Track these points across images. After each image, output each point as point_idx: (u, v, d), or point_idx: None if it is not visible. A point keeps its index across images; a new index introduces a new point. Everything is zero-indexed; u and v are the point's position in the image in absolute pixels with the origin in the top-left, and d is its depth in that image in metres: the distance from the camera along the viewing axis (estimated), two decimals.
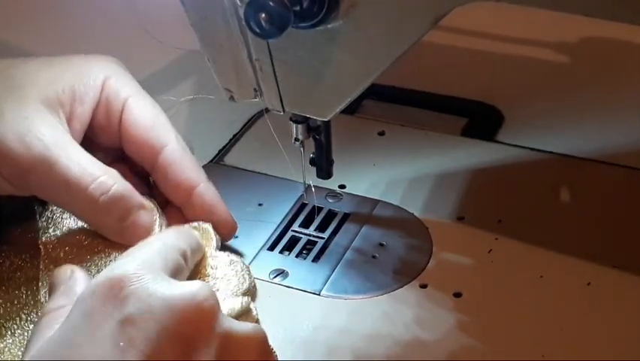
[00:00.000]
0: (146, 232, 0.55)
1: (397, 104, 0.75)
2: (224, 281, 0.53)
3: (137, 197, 0.55)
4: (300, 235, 0.61)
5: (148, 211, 0.55)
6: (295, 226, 0.62)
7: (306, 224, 0.62)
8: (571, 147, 0.67)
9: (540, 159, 0.66)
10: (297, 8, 0.44)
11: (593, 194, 0.62)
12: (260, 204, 0.64)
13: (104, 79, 0.56)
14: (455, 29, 0.82)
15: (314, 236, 0.61)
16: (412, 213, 0.61)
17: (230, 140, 0.71)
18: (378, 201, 0.63)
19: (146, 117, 0.57)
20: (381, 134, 0.70)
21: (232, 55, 0.51)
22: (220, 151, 0.70)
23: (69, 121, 0.55)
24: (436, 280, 0.56)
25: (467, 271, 0.57)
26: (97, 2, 0.90)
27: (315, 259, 0.59)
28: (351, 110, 0.74)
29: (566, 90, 0.75)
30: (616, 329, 0.52)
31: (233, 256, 0.55)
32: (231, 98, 0.54)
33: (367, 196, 0.63)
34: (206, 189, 0.57)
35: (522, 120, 0.72)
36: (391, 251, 0.59)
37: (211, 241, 0.55)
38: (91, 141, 0.57)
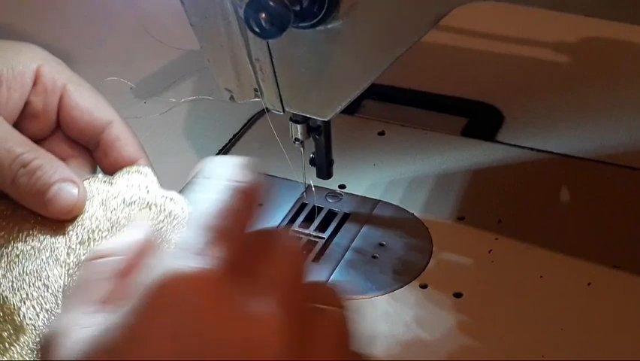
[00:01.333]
0: (69, 205, 0.52)
1: (397, 104, 0.75)
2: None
3: (61, 171, 0.53)
4: (300, 235, 0.61)
5: (75, 184, 0.54)
6: (295, 226, 0.62)
7: (306, 224, 0.62)
8: (571, 147, 0.67)
9: (540, 159, 0.66)
10: (297, 8, 0.44)
11: (593, 194, 0.62)
12: (260, 204, 0.64)
13: (36, 67, 0.54)
14: (455, 29, 0.82)
15: (314, 236, 0.61)
16: (412, 213, 0.61)
17: (230, 140, 0.71)
18: (378, 201, 0.63)
19: (88, 100, 0.55)
20: (381, 134, 0.70)
21: (232, 55, 0.51)
22: (220, 151, 0.70)
23: None
24: (436, 280, 0.56)
25: (467, 272, 0.57)
26: (97, 2, 0.91)
27: (315, 260, 0.59)
28: (351, 110, 0.74)
29: (566, 90, 0.75)
30: (616, 329, 0.52)
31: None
32: (231, 98, 0.54)
33: (367, 196, 0.63)
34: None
35: (522, 120, 0.72)
36: (391, 251, 0.59)
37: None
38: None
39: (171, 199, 0.52)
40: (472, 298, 0.55)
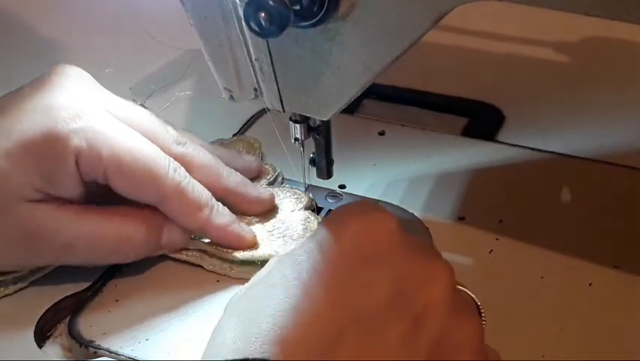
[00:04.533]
0: (179, 243, 0.56)
1: (397, 104, 0.75)
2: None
3: (158, 220, 0.55)
4: None
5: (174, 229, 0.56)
6: None
7: None
8: (571, 147, 0.67)
9: (540, 159, 0.66)
10: (297, 7, 0.44)
11: (593, 194, 0.62)
12: None
13: (74, 161, 0.53)
14: (455, 29, 0.82)
15: None
16: (413, 214, 0.61)
17: None
18: (378, 201, 0.63)
19: (136, 170, 0.54)
20: (382, 134, 0.70)
21: (232, 54, 0.51)
22: None
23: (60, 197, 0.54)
24: None
25: (468, 272, 0.57)
26: (97, 3, 0.91)
27: None
28: (351, 110, 0.74)
29: (566, 90, 0.75)
30: (617, 330, 0.52)
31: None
32: (231, 97, 0.54)
33: (367, 196, 0.63)
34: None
35: (522, 120, 0.72)
36: None
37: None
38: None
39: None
40: None
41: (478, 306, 0.47)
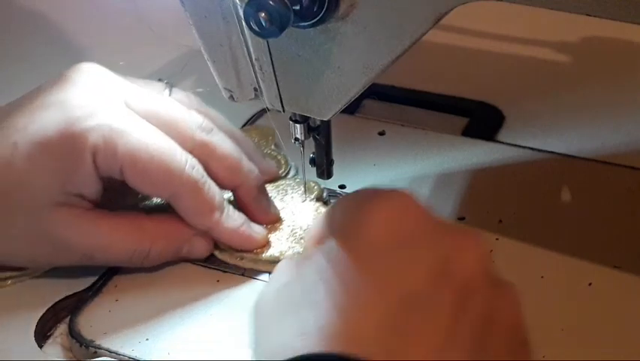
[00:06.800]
0: (200, 255, 0.56)
1: (397, 104, 0.75)
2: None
3: (177, 239, 0.56)
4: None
5: (199, 238, 0.56)
6: None
7: None
8: (571, 147, 0.67)
9: (541, 159, 0.66)
10: (297, 7, 0.44)
11: (593, 194, 0.62)
12: None
13: (91, 158, 0.52)
14: (455, 29, 0.82)
15: None
16: None
17: None
18: None
19: (152, 167, 0.53)
20: (382, 134, 0.70)
21: (232, 55, 0.51)
22: None
23: (81, 199, 0.54)
24: None
25: None
26: (98, 1, 0.91)
27: None
28: (351, 110, 0.74)
29: (566, 90, 0.75)
30: (617, 330, 0.52)
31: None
32: (231, 98, 0.54)
33: None
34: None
35: (523, 120, 0.71)
36: None
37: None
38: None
39: None
40: None
41: None
